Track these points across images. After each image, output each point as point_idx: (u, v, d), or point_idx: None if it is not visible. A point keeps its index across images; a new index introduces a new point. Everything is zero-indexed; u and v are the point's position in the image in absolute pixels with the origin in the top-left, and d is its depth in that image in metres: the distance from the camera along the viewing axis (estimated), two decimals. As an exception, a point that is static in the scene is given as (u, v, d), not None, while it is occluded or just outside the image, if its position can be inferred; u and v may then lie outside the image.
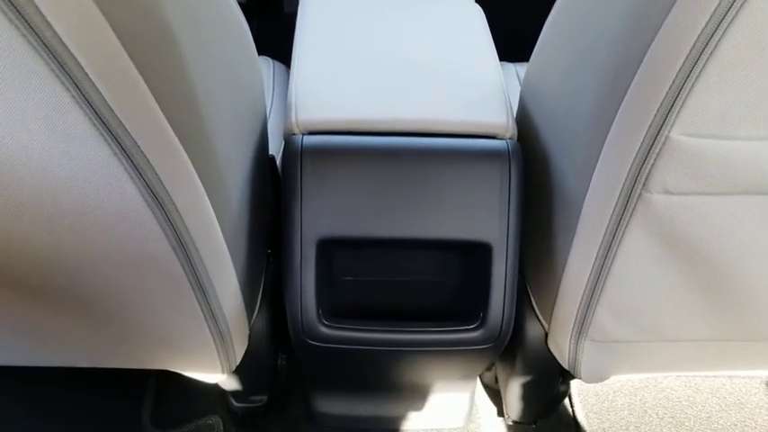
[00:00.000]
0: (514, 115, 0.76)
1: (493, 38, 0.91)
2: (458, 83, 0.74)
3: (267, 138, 0.77)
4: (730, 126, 0.50)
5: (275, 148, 0.92)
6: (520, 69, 1.12)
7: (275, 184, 0.80)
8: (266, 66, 1.11)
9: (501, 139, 0.69)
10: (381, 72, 0.75)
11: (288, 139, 0.68)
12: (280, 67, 1.13)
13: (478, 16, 0.91)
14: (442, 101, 0.71)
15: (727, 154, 0.52)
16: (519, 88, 1.07)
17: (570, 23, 0.62)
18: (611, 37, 0.54)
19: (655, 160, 0.53)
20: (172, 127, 0.45)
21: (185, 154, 0.47)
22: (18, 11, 0.35)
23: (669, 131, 0.51)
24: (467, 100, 0.71)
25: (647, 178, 0.54)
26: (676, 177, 0.54)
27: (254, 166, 0.68)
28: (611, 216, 0.58)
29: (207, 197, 0.53)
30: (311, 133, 0.68)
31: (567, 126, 0.63)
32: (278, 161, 0.84)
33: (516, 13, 1.74)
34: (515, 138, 0.70)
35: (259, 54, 1.18)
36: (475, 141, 0.68)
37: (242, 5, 1.94)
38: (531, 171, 0.70)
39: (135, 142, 0.43)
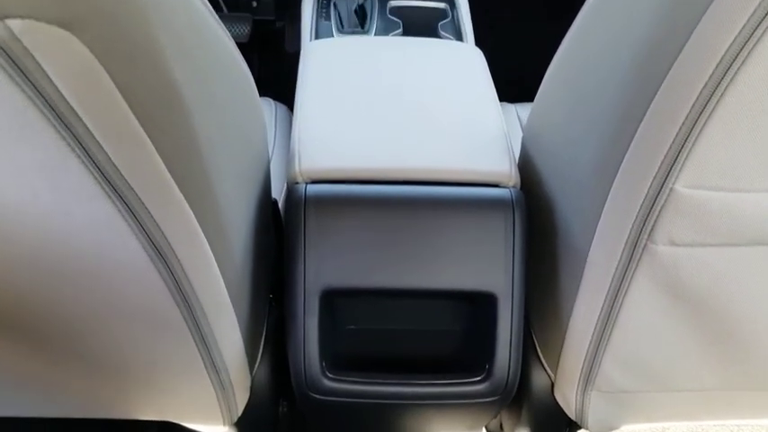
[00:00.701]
0: (517, 160, 0.76)
1: (493, 79, 0.92)
2: (460, 129, 0.74)
3: (270, 183, 0.77)
4: (735, 178, 0.50)
5: (277, 191, 0.92)
6: (521, 110, 1.13)
7: (278, 229, 0.79)
8: (268, 107, 1.12)
9: (504, 187, 0.69)
10: (384, 117, 0.76)
11: (291, 187, 0.68)
12: (281, 108, 1.14)
13: (479, 59, 0.92)
14: (444, 148, 0.72)
15: (733, 206, 0.52)
16: (520, 129, 1.08)
17: (573, 70, 0.63)
18: (614, 86, 0.55)
19: (660, 212, 0.53)
20: (176, 181, 0.45)
21: (189, 208, 0.47)
22: (24, 74, 0.35)
23: (674, 184, 0.51)
24: (469, 147, 0.72)
25: (652, 229, 0.54)
26: (682, 229, 0.53)
27: (256, 214, 0.68)
28: (617, 266, 0.57)
29: (210, 249, 0.52)
30: (314, 182, 0.68)
31: (570, 173, 0.64)
32: (280, 204, 0.84)
33: (517, 55, 1.76)
34: (518, 185, 0.70)
35: (261, 95, 1.20)
36: (478, 190, 0.68)
37: (243, 45, 1.98)
38: (535, 218, 0.70)
39: (139, 199, 0.44)
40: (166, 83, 0.42)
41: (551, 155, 0.69)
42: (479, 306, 0.69)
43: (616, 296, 0.59)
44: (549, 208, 0.69)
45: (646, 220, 0.53)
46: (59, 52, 0.35)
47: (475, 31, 1.19)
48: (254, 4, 1.85)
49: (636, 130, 0.52)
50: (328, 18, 1.17)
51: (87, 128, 0.39)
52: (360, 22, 1.17)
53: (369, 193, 0.67)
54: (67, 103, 0.37)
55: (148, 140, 0.42)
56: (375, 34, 1.13)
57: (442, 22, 1.17)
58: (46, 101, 0.37)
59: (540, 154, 0.72)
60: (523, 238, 0.67)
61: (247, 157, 0.63)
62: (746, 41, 0.43)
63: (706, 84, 0.45)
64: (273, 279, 0.79)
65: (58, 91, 0.37)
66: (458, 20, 1.18)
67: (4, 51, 0.34)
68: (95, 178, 0.41)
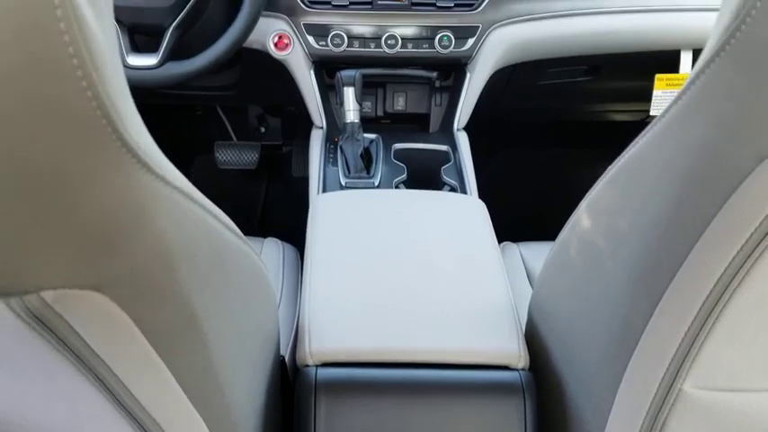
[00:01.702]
0: (524, 330, 0.77)
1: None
2: (468, 302, 0.76)
3: (279, 362, 0.77)
4: (743, 379, 0.51)
5: (285, 342, 0.93)
6: (524, 249, 1.15)
7: (285, 392, 0.79)
8: (275, 249, 1.14)
9: (514, 369, 0.69)
10: (392, 289, 0.77)
11: (302, 370, 0.69)
12: (289, 249, 1.16)
13: (481, 213, 0.95)
14: (453, 325, 0.73)
15: (741, 406, 0.52)
16: (524, 269, 1.10)
17: (580, 254, 0.65)
18: (621, 281, 0.56)
19: (669, 411, 0.53)
20: (190, 399, 0.46)
21: (205, 425, 0.48)
22: (54, 333, 0.37)
23: (682, 384, 0.52)
24: (478, 323, 0.73)
25: (662, 428, 0.54)
26: (691, 427, 0.54)
27: (266, 401, 0.68)
28: None
29: None
30: (325, 364, 0.69)
31: (580, 357, 0.64)
32: (286, 355, 0.85)
33: (518, 199, 1.81)
34: (527, 367, 0.71)
35: (267, 236, 1.22)
36: (488, 374, 0.68)
37: (252, 171, 2.03)
38: (545, 398, 0.70)
39: (155, 421, 0.44)
40: (188, 318, 0.43)
41: (559, 334, 0.70)
42: None
43: None
44: (559, 390, 0.69)
45: (656, 418, 0.54)
46: (89, 312, 0.37)
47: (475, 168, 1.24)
48: (263, 129, 1.92)
49: (643, 328, 0.53)
50: (335, 163, 1.21)
51: (109, 368, 0.40)
52: (365, 165, 1.21)
53: (379, 377, 0.67)
54: (93, 351, 0.39)
55: (167, 369, 0.43)
56: (381, 179, 1.17)
57: (444, 167, 1.21)
58: (72, 351, 0.38)
59: (547, 331, 0.73)
60: (534, 423, 0.67)
61: (262, 349, 0.64)
62: (751, 251, 0.45)
63: (712, 289, 0.47)
64: None
65: (85, 343, 0.38)
66: (459, 163, 1.23)
67: (37, 318, 0.36)
68: (113, 405, 0.42)
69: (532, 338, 0.76)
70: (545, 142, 1.90)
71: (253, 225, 1.90)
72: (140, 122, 0.36)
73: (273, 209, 1.94)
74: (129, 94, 0.35)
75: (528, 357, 0.71)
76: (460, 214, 0.93)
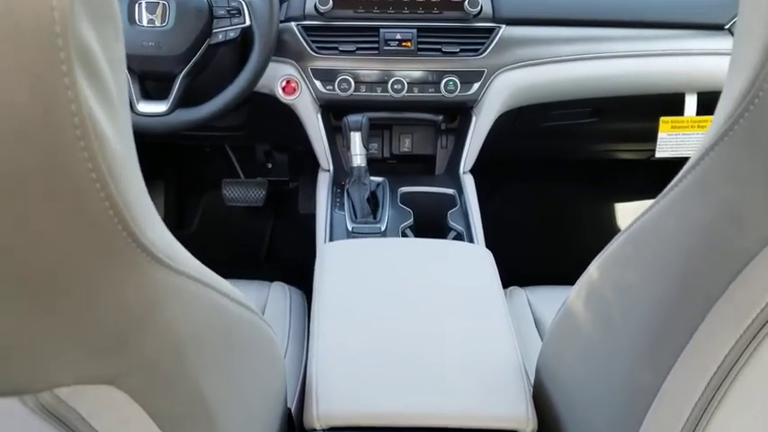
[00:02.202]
0: (532, 386, 0.77)
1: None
2: (477, 364, 0.76)
3: (287, 423, 0.77)
4: None
5: (292, 391, 0.93)
6: (531, 294, 1.15)
7: None
8: (282, 293, 1.14)
9: (522, 432, 0.69)
10: (399, 347, 0.77)
11: None
12: (296, 293, 1.16)
13: (488, 263, 0.95)
14: (461, 388, 0.73)
15: None
16: (530, 314, 1.10)
17: (588, 319, 0.65)
18: (630, 352, 0.56)
19: None
20: None
21: None
22: (66, 424, 0.37)
23: None
24: (486, 387, 0.73)
25: None
26: None
27: None
28: None
29: None
30: (333, 428, 0.69)
31: (587, 422, 0.64)
32: (293, 407, 0.84)
33: (524, 235, 1.81)
34: (536, 429, 0.70)
35: (274, 275, 1.23)
36: None
37: (259, 208, 2.03)
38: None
39: None
40: (199, 401, 0.44)
41: (566, 396, 0.70)
42: None
43: None
44: None
45: None
46: (102, 404, 0.38)
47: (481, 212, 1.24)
48: (269, 165, 1.94)
49: (651, 402, 0.53)
50: (342, 207, 1.22)
51: None
52: (372, 209, 1.21)
53: None
54: None
55: None
56: (387, 225, 1.17)
57: (451, 211, 1.22)
58: None
59: (554, 391, 0.73)
60: None
61: (270, 412, 0.64)
62: (757, 332, 0.45)
63: (718, 367, 0.47)
64: None
65: (93, 429, 0.39)
66: (466, 208, 1.23)
67: (51, 413, 0.36)
68: None
69: (540, 397, 0.76)
70: (550, 177, 1.90)
71: (258, 261, 1.90)
72: (154, 215, 0.36)
73: (280, 245, 1.94)
74: (145, 190, 0.36)
75: (536, 420, 0.71)
76: (467, 265, 0.93)
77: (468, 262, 0.95)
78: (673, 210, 0.48)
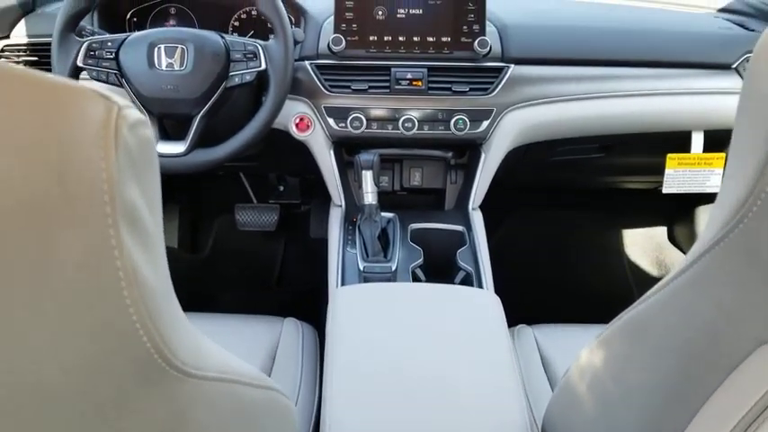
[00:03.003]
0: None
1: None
2: (484, 421, 0.78)
3: None
4: None
5: (305, 428, 0.96)
6: (538, 333, 1.17)
7: None
8: (294, 331, 1.17)
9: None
10: (409, 397, 0.80)
11: None
12: (308, 329, 1.19)
13: (496, 311, 0.97)
14: None
15: None
16: (537, 352, 1.12)
17: (589, 396, 0.67)
18: (640, 410, 0.58)
19: None
20: None
21: None
22: None
23: None
24: None
25: None
26: None
27: None
28: None
29: None
30: None
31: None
32: None
33: (531, 266, 1.83)
34: None
35: (286, 307, 1.26)
36: None
37: (271, 233, 2.06)
38: None
39: None
40: None
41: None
42: None
43: None
44: None
45: None
46: None
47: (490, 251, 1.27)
48: (281, 188, 1.97)
49: None
50: (354, 245, 1.25)
51: None
52: (383, 247, 1.24)
53: None
54: None
55: None
56: (398, 265, 1.20)
57: (460, 250, 1.24)
58: None
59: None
60: None
61: None
62: (750, 424, 0.48)
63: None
64: None
65: None
66: (474, 246, 1.25)
67: None
68: None
69: None
70: (558, 205, 1.93)
71: (270, 285, 1.94)
72: (183, 327, 0.39)
73: (291, 269, 1.98)
74: (178, 307, 0.39)
75: None
76: (475, 313, 0.96)
77: (476, 310, 0.97)
78: (672, 302, 0.51)
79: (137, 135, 0.31)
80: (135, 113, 0.32)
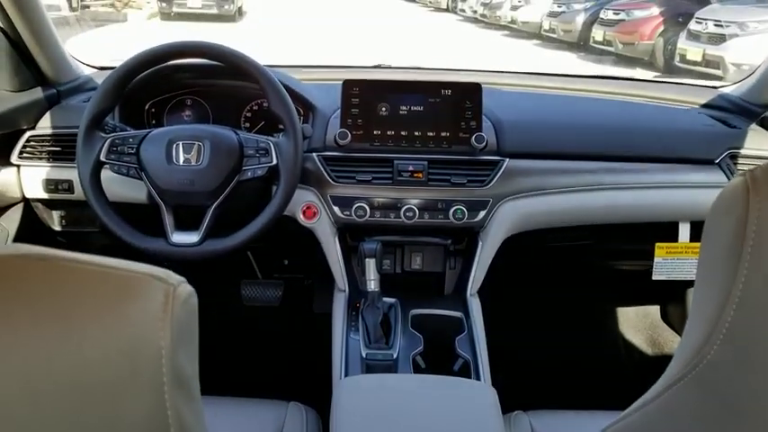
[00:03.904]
0: None
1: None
2: None
3: None
4: None
5: None
6: (534, 420, 1.21)
7: None
8: (298, 417, 1.20)
9: None
10: None
11: None
12: (312, 417, 1.22)
13: (492, 405, 1.02)
14: None
15: None
16: None
17: None
18: None
19: None
20: None
21: None
22: None
23: None
24: None
25: None
26: None
27: None
28: None
29: None
30: None
31: None
32: None
33: (529, 364, 1.86)
34: None
35: (291, 394, 1.30)
36: None
37: (275, 308, 2.11)
38: None
39: None
40: None
41: None
42: None
43: None
44: None
45: None
46: None
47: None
48: (285, 261, 2.03)
49: None
50: (357, 331, 1.30)
51: None
52: (385, 333, 1.29)
53: None
54: None
55: None
56: (399, 351, 1.25)
57: (458, 337, 1.30)
58: None
59: None
60: None
61: None
62: None
63: None
64: None
65: None
66: (472, 334, 1.31)
67: None
68: None
69: None
70: (553, 288, 1.98)
71: (275, 360, 1.97)
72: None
73: (295, 345, 2.02)
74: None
75: None
76: (471, 407, 1.01)
77: (472, 403, 1.02)
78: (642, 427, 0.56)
79: (186, 309, 0.38)
80: (185, 290, 0.38)
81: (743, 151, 1.43)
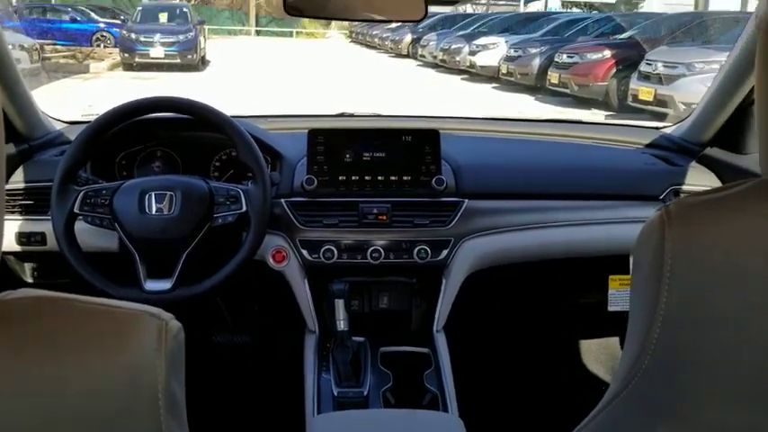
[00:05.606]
0: None
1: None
2: None
3: None
4: None
5: None
6: None
7: None
8: None
9: None
10: None
11: None
12: None
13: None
14: None
15: None
16: None
17: None
18: None
19: None
20: None
21: None
22: None
23: None
24: None
25: None
26: None
27: None
28: None
29: None
30: None
31: None
32: None
33: (494, 395, 1.92)
34: None
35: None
36: None
37: (246, 348, 2.11)
38: None
39: None
40: None
41: None
42: None
43: None
44: None
45: None
46: None
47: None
48: (256, 308, 2.05)
49: None
50: (328, 371, 1.34)
51: None
52: (355, 372, 1.34)
53: None
54: None
55: None
56: (369, 388, 1.29)
57: (426, 372, 1.35)
58: None
59: None
60: None
61: None
62: None
63: None
64: None
65: None
66: (440, 369, 1.36)
67: None
68: None
69: None
70: (515, 322, 2.04)
71: (248, 400, 1.99)
72: None
73: (267, 384, 2.03)
74: None
75: None
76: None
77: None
78: None
79: (176, 341, 0.43)
80: (175, 325, 0.44)
81: (684, 187, 1.53)
